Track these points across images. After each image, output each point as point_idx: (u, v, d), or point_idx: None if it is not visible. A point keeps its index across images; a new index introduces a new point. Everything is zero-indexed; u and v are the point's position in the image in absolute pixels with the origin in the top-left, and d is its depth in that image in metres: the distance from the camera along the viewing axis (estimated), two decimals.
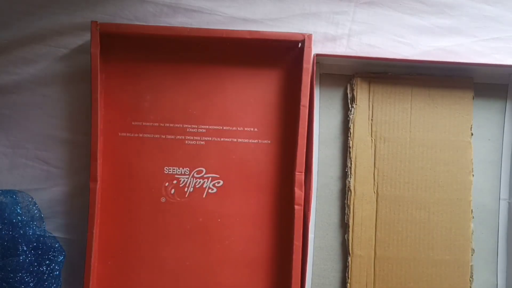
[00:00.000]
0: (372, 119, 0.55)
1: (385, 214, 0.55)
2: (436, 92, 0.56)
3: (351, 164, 0.55)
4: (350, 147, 0.55)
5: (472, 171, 0.55)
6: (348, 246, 0.55)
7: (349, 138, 0.55)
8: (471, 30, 0.59)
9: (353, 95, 0.56)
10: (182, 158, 0.56)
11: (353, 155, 0.55)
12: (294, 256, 0.53)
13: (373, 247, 0.55)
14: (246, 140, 0.56)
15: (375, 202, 0.55)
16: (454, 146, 0.55)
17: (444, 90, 0.56)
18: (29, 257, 0.51)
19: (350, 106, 0.56)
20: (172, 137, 0.56)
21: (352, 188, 0.55)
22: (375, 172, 0.55)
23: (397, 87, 0.56)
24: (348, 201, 0.55)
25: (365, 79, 0.56)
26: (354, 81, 0.56)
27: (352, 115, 0.55)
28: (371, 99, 0.56)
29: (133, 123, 0.56)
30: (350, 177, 0.55)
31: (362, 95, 0.56)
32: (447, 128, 0.56)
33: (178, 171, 0.56)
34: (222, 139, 0.56)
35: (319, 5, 0.58)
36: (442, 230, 0.55)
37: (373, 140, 0.55)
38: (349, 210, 0.55)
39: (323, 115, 0.57)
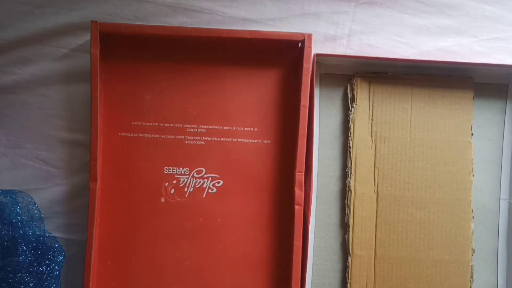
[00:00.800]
0: (372, 119, 0.55)
1: (385, 214, 0.55)
2: (436, 92, 0.56)
3: (351, 164, 0.55)
4: (350, 147, 0.55)
5: (472, 171, 0.55)
6: (348, 246, 0.55)
7: (349, 138, 0.55)
8: (471, 30, 0.59)
9: (353, 95, 0.56)
10: (182, 158, 0.56)
11: (353, 155, 0.55)
12: (294, 256, 0.53)
13: (373, 247, 0.54)
14: (246, 140, 0.56)
15: (375, 202, 0.55)
16: (454, 146, 0.55)
17: (444, 90, 0.56)
18: (29, 257, 0.51)
19: (350, 106, 0.56)
20: (172, 137, 0.56)
21: (352, 188, 0.55)
22: (375, 172, 0.55)
23: (397, 87, 0.56)
24: (348, 201, 0.55)
25: (365, 79, 0.56)
26: (354, 81, 0.56)
27: (352, 115, 0.55)
28: (371, 99, 0.55)
29: (133, 123, 0.56)
30: (350, 177, 0.55)
31: (362, 95, 0.55)
32: (447, 128, 0.56)
33: (178, 171, 0.56)
34: (222, 139, 0.56)
35: (319, 5, 0.58)
36: (442, 230, 0.55)
37: (373, 140, 0.55)
38: (349, 210, 0.55)
39: (323, 115, 0.57)
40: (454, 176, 0.55)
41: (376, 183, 0.55)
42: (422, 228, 0.55)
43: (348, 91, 0.56)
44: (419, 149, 0.55)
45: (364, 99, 0.56)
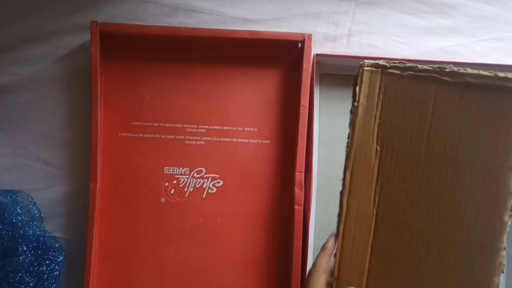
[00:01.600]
0: (379, 122, 0.43)
1: (383, 242, 0.43)
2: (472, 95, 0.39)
3: (345, 175, 0.44)
4: (347, 154, 0.44)
5: (510, 210, 0.38)
6: (334, 268, 0.44)
7: (348, 143, 0.44)
8: (471, 30, 0.59)
9: (356, 89, 0.44)
10: (182, 158, 0.56)
11: (350, 163, 0.44)
12: (294, 256, 0.53)
13: (364, 277, 0.44)
14: (246, 140, 0.56)
15: (373, 225, 0.43)
16: (488, 171, 0.39)
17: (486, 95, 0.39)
18: (29, 257, 0.51)
19: (353, 102, 0.44)
20: (172, 137, 0.56)
21: (344, 203, 0.44)
22: (376, 188, 0.43)
23: (417, 83, 0.41)
24: (340, 216, 0.44)
25: (376, 70, 0.43)
26: (360, 72, 0.43)
27: (352, 114, 0.44)
28: (380, 97, 0.43)
29: (133, 123, 0.56)
30: (344, 190, 0.44)
31: (370, 91, 0.43)
32: (481, 146, 0.39)
33: (178, 171, 0.56)
34: (222, 139, 0.56)
35: (319, 5, 0.58)
36: (453, 278, 0.40)
37: (377, 148, 0.43)
38: (339, 228, 0.44)
39: (323, 115, 0.57)
40: (481, 212, 0.39)
41: (376, 202, 0.43)
42: (428, 269, 0.41)
43: (358, 81, 0.44)
44: (437, 168, 0.41)
45: (372, 95, 0.43)
